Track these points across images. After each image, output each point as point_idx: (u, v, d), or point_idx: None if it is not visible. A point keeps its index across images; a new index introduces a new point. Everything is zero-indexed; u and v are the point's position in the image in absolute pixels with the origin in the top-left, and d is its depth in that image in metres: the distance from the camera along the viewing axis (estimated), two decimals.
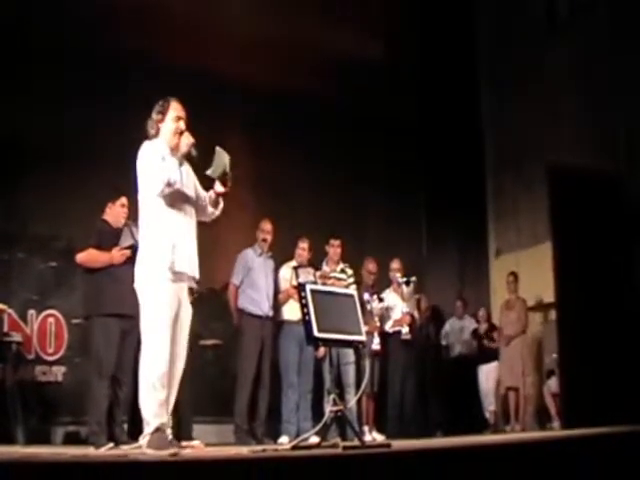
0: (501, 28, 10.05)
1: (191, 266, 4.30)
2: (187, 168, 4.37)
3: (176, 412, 4.50)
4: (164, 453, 3.76)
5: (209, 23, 7.99)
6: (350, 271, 7.27)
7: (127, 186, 4.93)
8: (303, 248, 7.07)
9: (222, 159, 4.31)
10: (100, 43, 7.23)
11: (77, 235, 6.04)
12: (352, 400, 6.59)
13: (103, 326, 5.56)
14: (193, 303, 4.43)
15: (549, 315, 8.67)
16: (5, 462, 2.61)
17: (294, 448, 4.29)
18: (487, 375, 8.79)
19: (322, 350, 6.66)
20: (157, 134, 4.33)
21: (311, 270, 6.56)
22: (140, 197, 4.29)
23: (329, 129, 8.59)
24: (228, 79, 8.01)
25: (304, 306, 4.36)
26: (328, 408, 4.66)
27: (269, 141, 8.14)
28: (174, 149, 4.30)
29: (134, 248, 4.88)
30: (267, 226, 7.04)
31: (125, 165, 4.43)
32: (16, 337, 6.31)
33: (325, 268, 7.17)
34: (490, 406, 8.78)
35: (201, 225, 4.46)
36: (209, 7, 8.04)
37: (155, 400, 4.05)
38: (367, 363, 6.71)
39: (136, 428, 4.30)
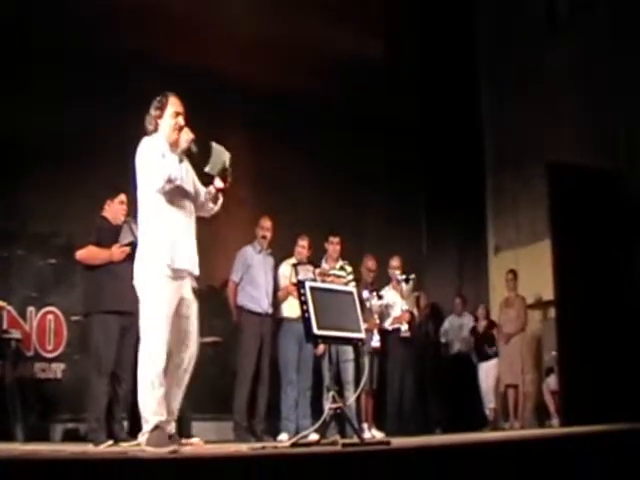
0: (501, 28, 10.04)
1: (191, 263, 4.29)
2: (186, 164, 4.36)
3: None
4: (163, 451, 3.76)
5: (209, 23, 7.98)
6: (349, 268, 7.28)
7: (126, 183, 4.93)
8: (303, 246, 7.07)
9: (221, 155, 4.30)
10: (100, 43, 7.22)
11: (76, 232, 6.05)
12: (351, 397, 6.58)
13: (102, 323, 5.56)
14: None
15: (548, 313, 8.67)
16: (4, 459, 2.61)
17: (293, 445, 4.29)
18: (487, 373, 8.80)
19: (321, 347, 6.66)
20: (156, 130, 4.31)
21: (310, 267, 6.56)
22: (139, 194, 4.27)
23: (329, 128, 8.58)
24: (228, 79, 8.00)
25: (303, 303, 4.36)
26: (327, 405, 4.65)
27: (269, 140, 8.13)
28: (173, 145, 4.29)
29: (134, 245, 4.88)
30: (267, 223, 7.05)
31: (124, 163, 4.43)
32: (15, 334, 6.32)
33: (324, 265, 7.17)
34: (490, 404, 8.79)
35: (200, 222, 4.45)
36: (209, 7, 8.03)
37: (154, 398, 4.04)
38: (366, 360, 6.72)
39: (136, 426, 4.30)
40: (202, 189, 4.45)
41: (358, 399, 6.96)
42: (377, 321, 7.49)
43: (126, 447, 5.01)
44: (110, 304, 5.53)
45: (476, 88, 10.29)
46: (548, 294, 7.86)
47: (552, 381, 8.05)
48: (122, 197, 5.84)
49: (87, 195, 6.49)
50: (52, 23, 7.07)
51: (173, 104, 4.34)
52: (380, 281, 7.76)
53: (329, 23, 8.90)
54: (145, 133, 4.32)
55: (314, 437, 5.05)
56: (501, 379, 8.62)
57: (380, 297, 7.51)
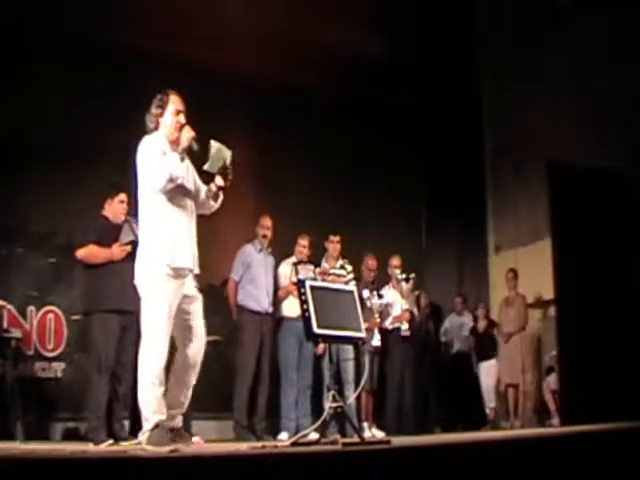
0: (501, 28, 10.03)
1: (192, 261, 4.28)
2: (187, 162, 4.35)
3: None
4: (164, 450, 3.76)
5: (209, 21, 7.97)
6: (350, 267, 7.26)
7: (126, 182, 4.92)
8: (303, 245, 7.07)
9: (221, 154, 4.30)
10: (100, 41, 7.21)
11: (77, 231, 6.03)
12: (351, 396, 6.58)
13: (103, 322, 5.57)
14: None
15: (548, 312, 8.66)
16: (4, 458, 2.61)
17: (293, 444, 4.29)
18: (487, 372, 8.80)
19: (321, 346, 6.67)
20: (157, 128, 4.31)
21: (311, 266, 6.55)
22: (140, 192, 4.27)
23: (329, 126, 8.57)
24: (228, 76, 8.00)
25: (303, 302, 4.36)
26: (327, 404, 4.66)
27: (269, 138, 8.12)
28: (174, 143, 4.28)
29: (134, 244, 4.88)
30: (267, 222, 7.05)
31: (125, 162, 4.42)
32: (15, 333, 6.31)
33: (325, 265, 7.17)
34: (490, 403, 8.79)
35: (201, 221, 4.45)
36: (210, 5, 8.02)
37: (154, 396, 4.04)
38: (367, 360, 6.71)
39: (137, 425, 4.30)
40: (203, 187, 4.44)
41: (358, 398, 6.96)
42: (378, 320, 7.48)
43: (126, 446, 5.02)
44: (110, 303, 5.53)
45: (477, 87, 10.28)
46: (548, 293, 7.86)
47: (552, 380, 8.05)
48: (122, 196, 5.84)
49: (87, 194, 6.49)
50: (52, 23, 7.06)
51: (174, 102, 4.33)
52: (380, 280, 7.76)
53: (330, 21, 8.89)
54: (146, 131, 4.31)
55: (314, 436, 5.06)
56: (501, 378, 8.62)
57: (380, 296, 7.50)
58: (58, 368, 6.87)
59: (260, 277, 6.94)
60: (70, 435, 6.67)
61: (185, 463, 2.93)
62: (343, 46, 8.85)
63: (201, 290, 4.43)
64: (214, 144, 4.29)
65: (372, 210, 9.06)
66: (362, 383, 6.30)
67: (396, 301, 7.73)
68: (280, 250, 7.22)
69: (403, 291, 7.74)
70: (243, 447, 4.14)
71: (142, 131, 4.32)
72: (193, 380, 4.28)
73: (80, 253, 5.72)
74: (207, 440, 5.77)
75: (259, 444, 4.65)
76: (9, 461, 2.59)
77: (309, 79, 8.49)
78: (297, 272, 6.40)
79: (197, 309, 4.32)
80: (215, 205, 4.49)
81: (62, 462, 2.76)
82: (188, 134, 4.27)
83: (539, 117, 9.07)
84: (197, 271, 4.35)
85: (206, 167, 4.31)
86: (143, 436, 4.05)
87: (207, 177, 4.42)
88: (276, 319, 7.02)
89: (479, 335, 8.89)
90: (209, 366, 4.50)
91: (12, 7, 6.80)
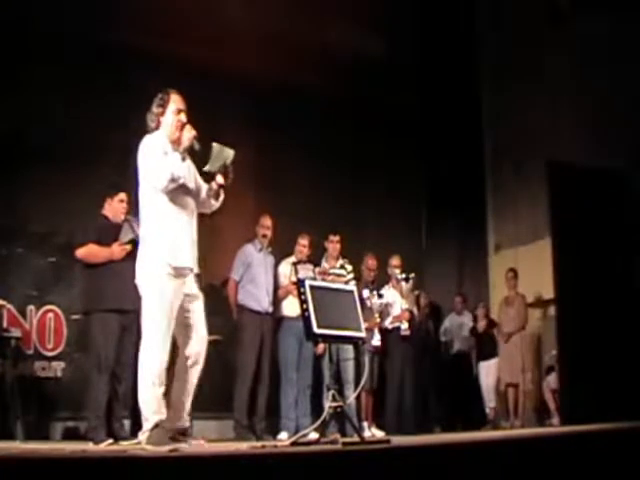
0: (501, 28, 10.03)
1: (192, 260, 4.29)
2: (188, 161, 4.35)
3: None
4: (163, 449, 3.76)
5: (210, 20, 7.97)
6: (350, 267, 7.26)
7: (126, 181, 4.92)
8: (303, 245, 7.07)
9: (222, 154, 4.30)
10: (100, 40, 7.21)
11: (76, 231, 6.03)
12: (351, 396, 6.59)
13: (102, 321, 5.57)
14: None
15: (548, 311, 8.66)
16: (4, 458, 2.61)
17: (293, 444, 4.29)
18: (487, 371, 8.80)
19: (321, 346, 6.67)
20: (158, 128, 4.30)
21: (310, 266, 6.56)
22: (141, 192, 4.27)
23: (329, 126, 8.57)
24: (228, 76, 8.00)
25: (303, 302, 4.36)
26: (327, 404, 4.66)
27: (269, 138, 8.12)
28: (175, 142, 4.28)
29: (135, 243, 4.88)
30: (267, 222, 7.05)
31: (125, 161, 4.42)
32: (15, 333, 6.31)
33: (324, 264, 7.17)
34: (490, 402, 8.79)
35: (201, 220, 4.45)
36: (210, 4, 8.02)
37: (154, 396, 4.05)
38: (366, 359, 6.71)
39: (138, 424, 4.30)
40: (204, 186, 4.44)
41: (358, 398, 6.96)
42: (378, 320, 7.48)
43: (126, 446, 5.01)
44: (111, 302, 5.53)
45: (477, 87, 10.28)
46: (548, 292, 7.86)
47: (552, 380, 8.05)
48: (122, 195, 5.84)
49: (87, 194, 6.49)
50: (52, 23, 7.06)
51: (175, 101, 4.32)
52: (380, 280, 7.76)
53: (330, 21, 8.89)
54: (147, 131, 4.31)
55: (314, 436, 5.06)
56: (501, 378, 8.63)
57: (380, 296, 7.50)
58: (58, 368, 6.87)
59: (260, 277, 6.95)
60: (70, 434, 6.67)
61: (185, 463, 2.93)
62: (343, 46, 8.85)
63: (201, 290, 4.43)
64: (216, 146, 4.29)
65: (372, 210, 9.06)
66: (362, 383, 6.29)
67: (396, 301, 7.73)
68: (280, 250, 7.22)
69: (403, 291, 7.74)
70: (243, 447, 4.14)
71: (142, 131, 4.31)
72: (195, 379, 4.28)
73: (80, 252, 5.72)
74: (207, 439, 5.76)
75: (259, 444, 4.65)
76: (9, 461, 2.59)
77: (309, 79, 8.49)
78: (297, 272, 6.40)
79: (198, 307, 4.31)
80: (216, 204, 4.49)
81: (62, 462, 2.76)
82: (189, 133, 4.26)
83: (539, 117, 9.07)
84: (197, 270, 4.35)
85: (206, 168, 4.32)
86: (143, 436, 4.05)
87: (208, 176, 4.42)
88: (276, 319, 7.02)
89: (479, 335, 8.90)
90: (209, 366, 4.50)
91: (12, 7, 6.80)
